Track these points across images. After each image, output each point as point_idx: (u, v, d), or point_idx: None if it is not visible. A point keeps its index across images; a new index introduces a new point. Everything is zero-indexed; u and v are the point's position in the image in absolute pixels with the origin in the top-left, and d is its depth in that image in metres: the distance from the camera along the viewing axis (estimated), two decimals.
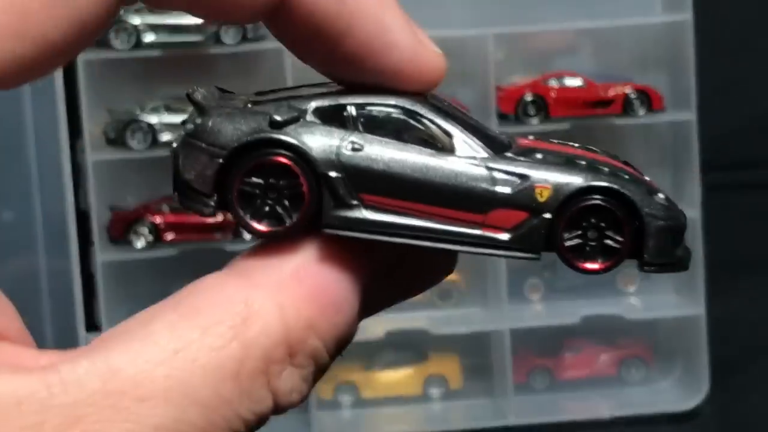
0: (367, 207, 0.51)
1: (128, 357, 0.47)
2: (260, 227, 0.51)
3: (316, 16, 0.51)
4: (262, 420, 0.50)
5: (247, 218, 0.51)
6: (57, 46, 0.48)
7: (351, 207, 0.51)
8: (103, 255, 2.12)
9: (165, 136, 2.11)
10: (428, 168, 0.51)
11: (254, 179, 0.51)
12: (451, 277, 2.28)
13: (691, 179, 2.13)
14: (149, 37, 2.08)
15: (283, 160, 0.51)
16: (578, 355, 2.25)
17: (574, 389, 2.24)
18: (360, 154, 0.51)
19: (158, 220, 2.13)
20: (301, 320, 0.49)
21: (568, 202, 0.52)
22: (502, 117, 2.12)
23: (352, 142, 0.52)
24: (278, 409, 0.50)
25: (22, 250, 2.10)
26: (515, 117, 2.11)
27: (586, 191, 0.52)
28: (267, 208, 0.51)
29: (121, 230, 2.14)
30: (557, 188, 0.52)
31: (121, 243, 2.14)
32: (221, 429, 0.48)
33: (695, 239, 2.12)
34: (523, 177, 0.52)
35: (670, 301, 2.23)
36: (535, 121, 2.11)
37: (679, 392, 2.20)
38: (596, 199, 0.52)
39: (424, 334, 2.18)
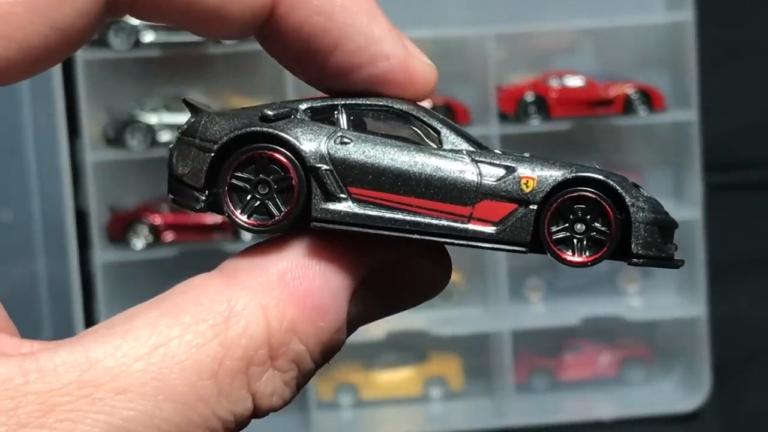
0: (356, 200, 0.51)
1: (107, 350, 0.47)
2: (250, 222, 0.52)
3: (305, 31, 0.52)
4: (241, 422, 0.49)
5: (237, 213, 0.52)
6: (39, 50, 0.49)
7: (339, 200, 0.51)
8: (102, 255, 2.11)
9: (164, 136, 2.11)
10: (416, 161, 0.52)
11: (244, 173, 0.52)
12: (452, 277, 2.26)
13: (692, 179, 2.13)
14: (148, 37, 2.08)
15: (273, 153, 0.51)
16: (579, 355, 2.25)
17: (575, 390, 2.24)
18: (349, 147, 0.52)
19: (157, 220, 2.13)
20: (284, 323, 0.49)
21: (553, 192, 0.52)
22: (503, 117, 2.11)
23: (341, 136, 0.52)
24: (258, 412, 0.50)
25: (21, 251, 2.10)
26: (516, 117, 2.11)
27: (572, 182, 0.52)
28: (257, 203, 0.52)
29: (120, 230, 2.13)
30: (542, 179, 0.52)
31: (121, 243, 2.13)
32: (198, 427, 0.48)
33: (696, 239, 2.11)
34: (508, 168, 0.52)
35: (671, 301, 2.23)
36: (535, 121, 2.11)
37: (680, 393, 2.19)
38: (582, 190, 0.52)
39: (424, 335, 2.17)
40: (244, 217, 0.52)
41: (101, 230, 2.13)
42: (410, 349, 2.25)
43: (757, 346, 2.30)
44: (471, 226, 0.52)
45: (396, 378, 2.24)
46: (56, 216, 2.09)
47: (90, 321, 2.13)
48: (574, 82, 2.14)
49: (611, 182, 0.52)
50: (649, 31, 2.19)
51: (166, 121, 2.12)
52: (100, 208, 2.13)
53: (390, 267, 0.53)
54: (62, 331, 2.13)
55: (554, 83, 2.13)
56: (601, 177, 0.52)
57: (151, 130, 2.10)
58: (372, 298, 0.53)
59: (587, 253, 0.53)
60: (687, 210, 2.14)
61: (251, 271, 0.50)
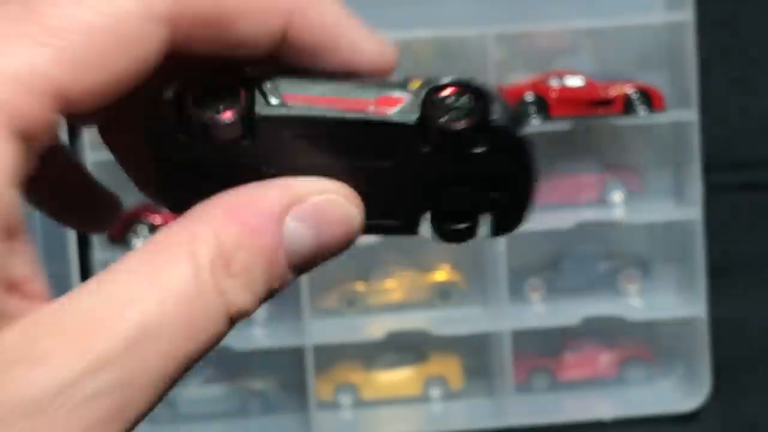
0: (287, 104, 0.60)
1: (101, 298, 0.53)
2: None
3: (309, 49, 0.61)
4: (218, 338, 0.55)
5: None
6: (122, 81, 0.54)
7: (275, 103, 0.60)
8: (101, 255, 2.12)
9: None
10: (339, 81, 0.61)
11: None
12: (451, 277, 2.31)
13: (692, 179, 2.13)
14: None
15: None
16: (579, 355, 2.25)
17: (575, 390, 2.24)
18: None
19: (157, 220, 2.13)
20: (231, 238, 0.56)
21: (432, 85, 0.61)
22: None
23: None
24: (232, 321, 0.56)
25: None
26: None
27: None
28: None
29: (120, 230, 2.14)
30: (426, 80, 0.60)
31: (121, 243, 2.14)
32: (184, 357, 0.53)
33: (696, 239, 2.12)
34: (402, 79, 0.62)
35: (671, 301, 2.23)
36: (535, 120, 2.11)
37: (680, 393, 2.20)
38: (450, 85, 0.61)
39: (424, 335, 2.18)
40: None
41: None
42: (410, 349, 2.26)
43: (759, 347, 2.31)
44: (377, 110, 0.60)
45: (396, 378, 2.25)
46: None
47: None
48: (574, 82, 2.14)
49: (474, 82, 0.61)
50: (648, 30, 2.20)
51: None
52: None
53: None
54: None
55: (554, 83, 2.14)
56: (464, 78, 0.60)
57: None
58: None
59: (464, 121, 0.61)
60: (687, 210, 2.14)
61: (202, 210, 0.59)
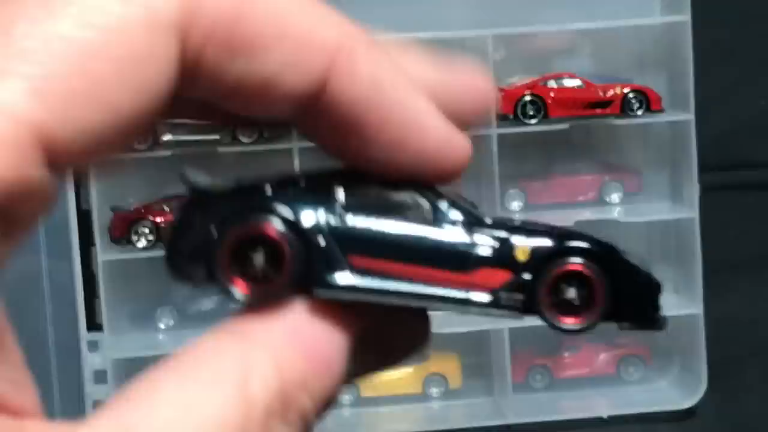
0: (355, 270, 0.52)
1: (141, 415, 0.46)
2: (247, 291, 0.51)
3: (355, 108, 0.48)
4: None
5: (236, 282, 0.51)
6: (128, 116, 0.44)
7: (340, 269, 0.52)
8: (104, 254, 2.13)
9: (166, 136, 2.12)
10: (415, 230, 0.52)
11: (244, 247, 0.51)
12: None
13: (689, 179, 2.14)
14: None
15: (271, 228, 0.51)
16: (577, 354, 2.27)
17: (573, 388, 2.26)
18: (349, 217, 0.52)
19: (159, 219, 2.14)
20: (296, 377, 0.49)
21: (546, 262, 0.53)
22: (502, 117, 2.13)
23: (342, 207, 0.52)
24: None
25: (23, 250, 2.11)
26: (514, 117, 2.13)
27: (564, 252, 0.54)
28: (256, 274, 0.51)
29: (122, 230, 2.15)
30: (535, 249, 0.53)
31: (122, 243, 2.15)
32: None
33: (693, 239, 2.13)
34: (502, 240, 0.53)
35: (668, 300, 2.22)
36: (534, 121, 2.13)
37: (677, 391, 2.21)
38: (572, 262, 0.53)
39: None
40: (241, 287, 0.52)
41: (103, 230, 2.14)
42: None
43: (754, 345, 2.31)
44: (467, 295, 0.53)
45: (395, 376, 2.26)
46: (59, 215, 2.11)
47: (92, 320, 2.15)
48: (572, 83, 2.16)
49: (599, 250, 0.54)
50: (646, 32, 2.21)
51: (168, 120, 2.12)
52: (102, 207, 2.14)
53: (385, 324, 0.54)
54: (64, 330, 2.15)
55: (552, 84, 2.15)
56: (590, 246, 0.54)
57: (153, 130, 2.11)
58: (366, 354, 0.53)
59: (580, 317, 0.56)
60: (684, 211, 2.15)
61: (260, 329, 0.50)
